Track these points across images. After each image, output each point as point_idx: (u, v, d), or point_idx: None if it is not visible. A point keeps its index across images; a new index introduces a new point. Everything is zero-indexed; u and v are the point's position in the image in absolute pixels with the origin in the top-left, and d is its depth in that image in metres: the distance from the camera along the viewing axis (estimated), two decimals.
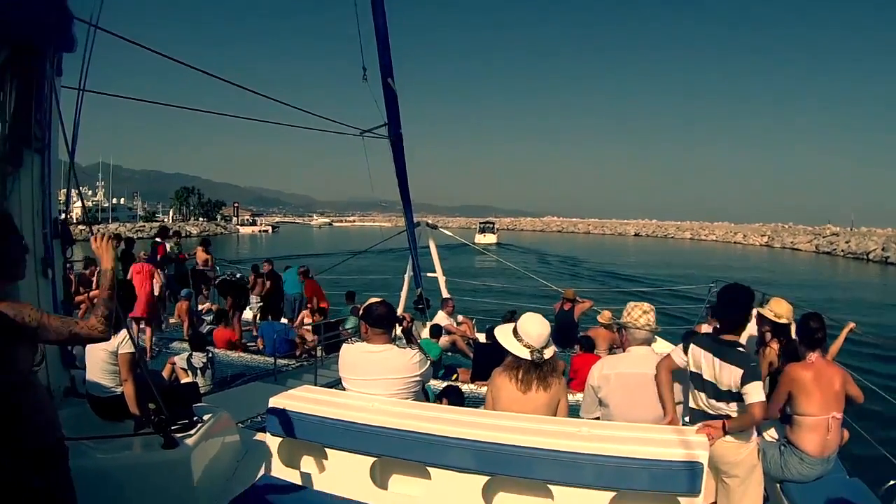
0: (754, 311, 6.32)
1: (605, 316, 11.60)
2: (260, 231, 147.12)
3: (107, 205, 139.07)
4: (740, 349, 4.42)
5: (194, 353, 9.86)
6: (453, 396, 7.72)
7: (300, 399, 4.74)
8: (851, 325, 6.91)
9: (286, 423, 4.56)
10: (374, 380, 4.68)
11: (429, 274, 15.74)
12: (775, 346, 6.28)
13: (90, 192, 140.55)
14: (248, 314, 15.82)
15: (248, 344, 13.50)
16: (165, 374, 9.99)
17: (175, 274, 16.44)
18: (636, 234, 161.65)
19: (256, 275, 16.45)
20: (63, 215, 5.63)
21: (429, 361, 4.89)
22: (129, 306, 6.83)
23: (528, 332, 4.48)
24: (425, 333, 12.86)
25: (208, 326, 13.98)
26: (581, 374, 9.44)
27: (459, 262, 38.54)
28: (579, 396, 5.58)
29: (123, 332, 5.17)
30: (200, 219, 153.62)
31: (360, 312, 4.98)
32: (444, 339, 12.78)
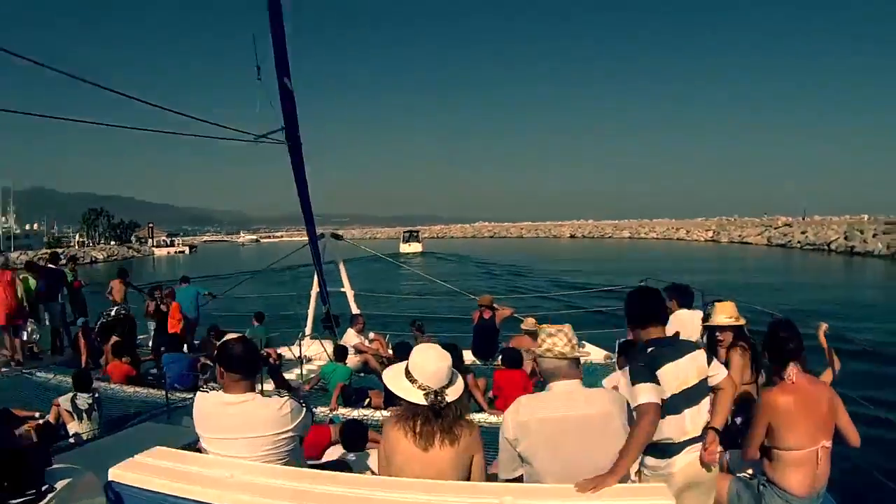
0: (698, 324, 6.08)
1: (528, 322, 11.12)
2: (177, 252, 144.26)
3: (17, 231, 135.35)
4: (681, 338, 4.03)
5: (79, 394, 8.90)
6: (352, 439, 6.73)
7: (144, 469, 3.76)
8: (824, 325, 5.83)
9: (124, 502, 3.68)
10: (234, 439, 3.75)
11: (340, 289, 15.19)
12: (738, 358, 5.65)
13: None
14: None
15: (150, 375, 12.70)
16: (51, 417, 9.03)
17: (72, 302, 15.19)
18: (572, 236, 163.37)
19: (151, 298, 15.24)
20: None
21: (304, 410, 3.92)
22: None
23: (423, 369, 3.59)
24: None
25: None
26: (506, 392, 8.87)
27: (385, 275, 37.94)
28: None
29: None
30: (111, 242, 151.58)
31: (216, 353, 4.02)
32: (355, 360, 12.24)
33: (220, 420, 3.79)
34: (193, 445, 4.51)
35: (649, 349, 4.20)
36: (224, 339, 4.06)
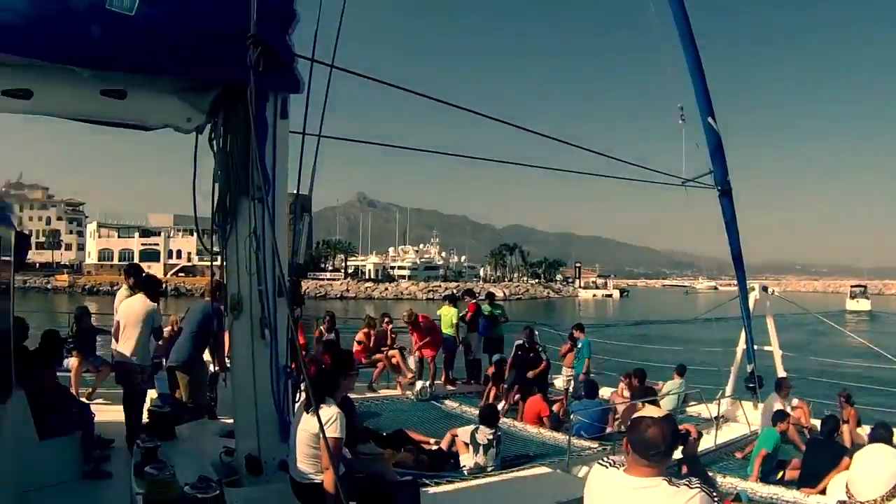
0: None
1: None
2: (604, 295, 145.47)
3: (440, 262, 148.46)
4: None
5: (481, 427, 9.31)
6: None
7: None
8: None
9: None
10: None
11: (766, 347, 14.32)
12: None
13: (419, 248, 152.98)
14: (559, 382, 15.34)
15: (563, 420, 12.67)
16: (444, 444, 9.77)
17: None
18: None
19: (573, 344, 15.79)
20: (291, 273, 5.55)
21: None
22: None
23: (855, 476, 3.13)
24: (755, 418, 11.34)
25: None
26: None
27: (816, 335, 35.05)
28: None
29: (332, 411, 4.75)
30: (526, 279, 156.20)
31: (627, 428, 3.81)
32: (778, 427, 11.22)
33: (614, 502, 3.42)
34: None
35: None
36: (640, 412, 3.74)
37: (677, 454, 3.83)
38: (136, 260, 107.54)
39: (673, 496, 3.21)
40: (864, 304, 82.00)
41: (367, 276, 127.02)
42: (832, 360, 20.76)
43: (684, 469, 4.34)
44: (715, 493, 3.33)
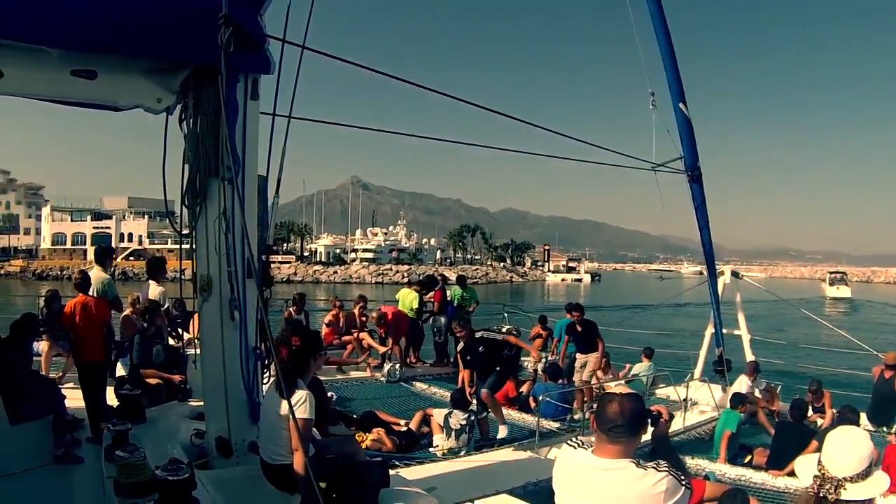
0: None
1: None
2: (574, 280, 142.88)
3: (407, 244, 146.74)
4: None
5: (455, 412, 9.51)
6: None
7: None
8: None
9: None
10: None
11: (735, 331, 14.59)
12: None
13: (388, 230, 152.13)
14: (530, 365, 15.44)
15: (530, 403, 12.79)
16: (413, 425, 9.96)
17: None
18: None
19: (543, 326, 16.08)
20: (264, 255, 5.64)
21: (682, 489, 3.28)
22: None
23: (828, 455, 3.10)
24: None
25: None
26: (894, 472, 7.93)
27: (790, 319, 35.65)
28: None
29: (301, 392, 4.75)
30: (490, 263, 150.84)
31: (594, 409, 3.83)
32: (743, 410, 11.52)
33: (581, 483, 3.41)
34: None
35: None
36: (606, 392, 3.77)
37: (648, 437, 3.82)
38: (88, 244, 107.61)
39: (640, 478, 3.22)
40: (843, 291, 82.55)
41: (318, 260, 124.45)
42: (806, 345, 21.26)
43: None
44: (683, 476, 3.34)
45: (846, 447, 3.03)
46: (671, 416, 4.05)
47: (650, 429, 3.71)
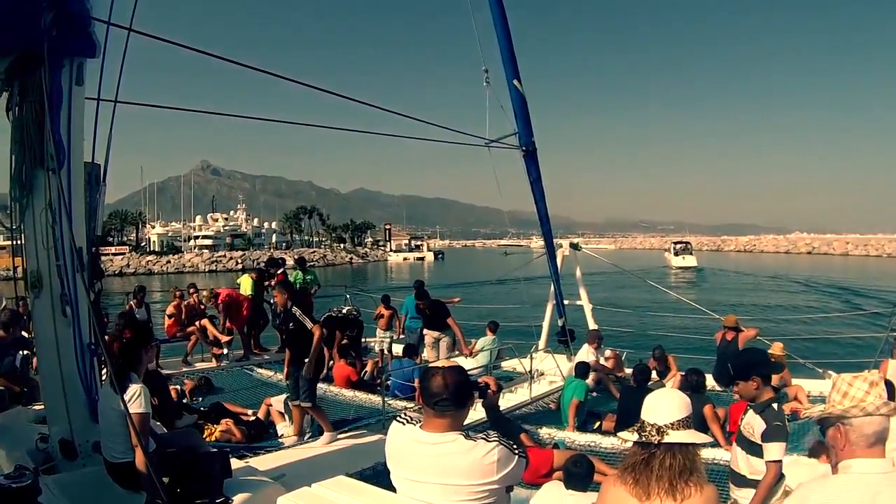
0: None
1: (776, 348, 10.60)
2: (416, 259, 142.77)
3: (245, 229, 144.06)
4: None
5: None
6: (576, 475, 5.84)
7: (318, 502, 3.75)
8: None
9: None
10: (426, 483, 3.37)
11: (577, 302, 15.16)
12: None
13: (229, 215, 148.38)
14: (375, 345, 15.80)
15: (376, 383, 13.01)
16: (261, 414, 9.99)
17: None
18: None
19: (386, 306, 16.14)
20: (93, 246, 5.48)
21: (515, 458, 3.32)
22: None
23: (647, 407, 3.24)
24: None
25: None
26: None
27: (635, 288, 37.23)
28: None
29: (135, 387, 4.67)
30: (328, 244, 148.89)
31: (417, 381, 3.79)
32: (588, 378, 11.96)
33: (412, 459, 3.44)
34: None
35: None
36: (431, 365, 3.65)
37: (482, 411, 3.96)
38: None
39: (470, 450, 3.26)
40: (689, 261, 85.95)
41: (149, 249, 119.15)
42: (652, 313, 22.38)
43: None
44: (516, 446, 3.38)
45: (662, 399, 3.21)
46: (500, 387, 4.11)
47: (480, 401, 3.77)
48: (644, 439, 3.09)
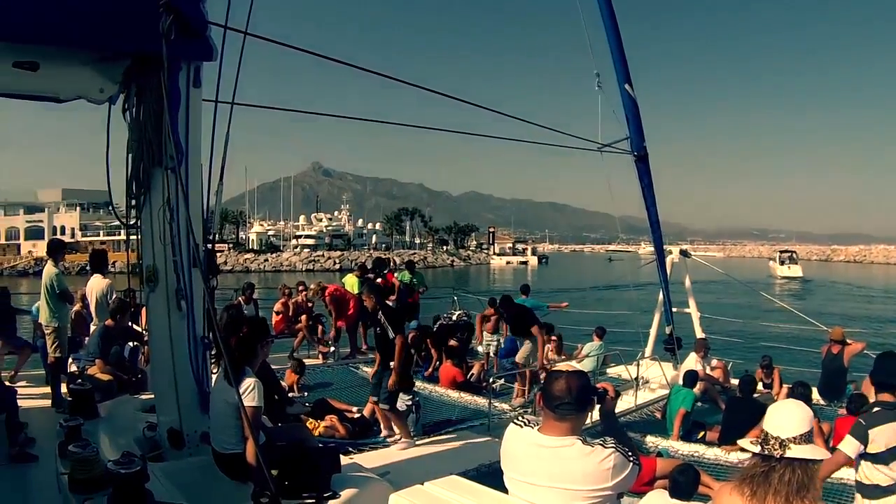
0: None
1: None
2: (519, 262, 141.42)
3: (348, 229, 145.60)
4: None
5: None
6: (682, 484, 6.00)
7: (429, 501, 3.73)
8: None
9: None
10: (543, 486, 3.34)
11: (685, 310, 14.97)
12: None
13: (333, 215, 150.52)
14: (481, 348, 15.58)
15: (482, 385, 13.08)
16: (366, 412, 10.02)
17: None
18: None
19: (494, 309, 16.13)
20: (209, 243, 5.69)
21: (630, 465, 3.33)
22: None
23: (770, 419, 3.18)
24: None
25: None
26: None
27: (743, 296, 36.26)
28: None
29: (249, 380, 4.83)
30: (429, 247, 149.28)
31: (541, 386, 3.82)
32: (696, 387, 11.74)
33: (528, 461, 3.43)
34: None
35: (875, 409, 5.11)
36: (554, 368, 3.77)
37: (597, 415, 3.88)
38: (21, 238, 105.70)
39: (587, 455, 3.25)
40: (794, 270, 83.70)
41: (248, 248, 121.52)
42: (755, 322, 21.77)
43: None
44: (630, 453, 3.36)
45: (786, 411, 3.12)
46: (617, 394, 4.09)
47: (597, 406, 3.73)
48: (766, 452, 3.04)
